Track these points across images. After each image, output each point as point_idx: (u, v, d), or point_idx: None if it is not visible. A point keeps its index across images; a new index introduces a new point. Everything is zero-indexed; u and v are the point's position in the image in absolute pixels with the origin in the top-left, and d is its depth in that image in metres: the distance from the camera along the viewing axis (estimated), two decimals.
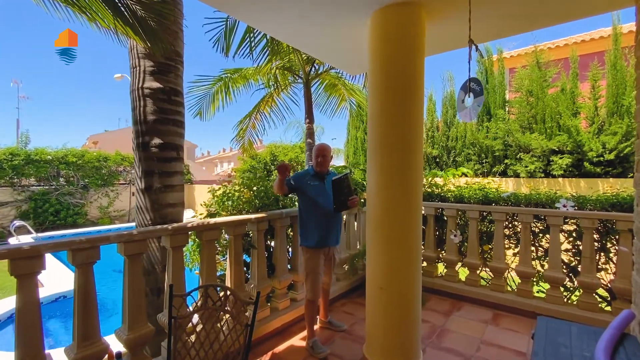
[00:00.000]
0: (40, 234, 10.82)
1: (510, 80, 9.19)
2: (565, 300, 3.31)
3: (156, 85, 2.52)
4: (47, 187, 12.39)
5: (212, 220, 2.49)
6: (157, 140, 2.51)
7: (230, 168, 21.30)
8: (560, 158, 6.49)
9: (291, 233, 3.51)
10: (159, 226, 2.23)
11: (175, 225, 2.26)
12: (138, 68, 2.53)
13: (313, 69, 4.79)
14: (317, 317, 3.21)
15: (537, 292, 3.57)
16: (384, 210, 2.33)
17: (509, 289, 3.81)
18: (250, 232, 2.93)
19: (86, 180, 13.31)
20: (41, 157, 12.13)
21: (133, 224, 12.14)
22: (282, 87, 4.96)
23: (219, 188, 3.32)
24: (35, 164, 12.00)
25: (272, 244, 3.25)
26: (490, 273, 3.93)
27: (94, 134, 30.88)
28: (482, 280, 4.00)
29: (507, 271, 3.77)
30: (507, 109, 8.03)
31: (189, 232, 2.38)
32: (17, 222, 10.39)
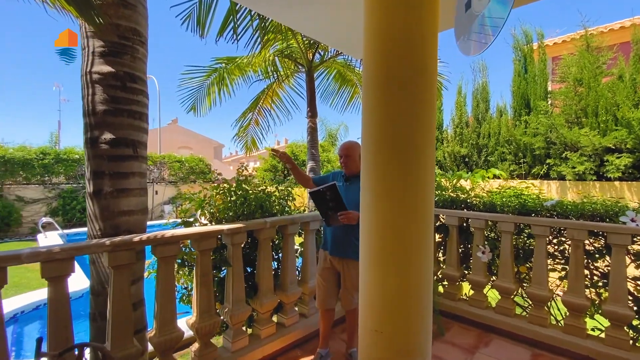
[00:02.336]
0: (66, 231, 11.16)
1: (553, 69, 8.09)
2: (631, 343, 2.53)
3: (107, 69, 2.10)
4: (75, 185, 12.83)
5: (169, 233, 2.03)
6: (107, 135, 2.09)
7: (252, 167, 21.27)
8: (618, 157, 5.47)
9: (302, 239, 3.05)
10: (93, 241, 1.79)
11: (116, 239, 1.82)
12: (87, 49, 2.13)
13: (317, 55, 4.24)
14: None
15: (592, 329, 2.80)
16: (380, 227, 1.74)
17: (553, 322, 3.06)
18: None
19: None
20: (69, 156, 12.57)
21: (155, 222, 12.23)
22: (284, 78, 4.45)
23: (199, 191, 2.88)
24: (64, 162, 12.45)
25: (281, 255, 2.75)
26: (528, 300, 3.19)
27: None
28: (517, 307, 3.27)
29: (550, 299, 3.02)
30: (549, 101, 7.01)
31: (138, 248, 1.94)
32: (45, 219, 10.76)
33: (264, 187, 3.02)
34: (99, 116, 2.10)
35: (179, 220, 2.68)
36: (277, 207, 2.95)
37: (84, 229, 10.19)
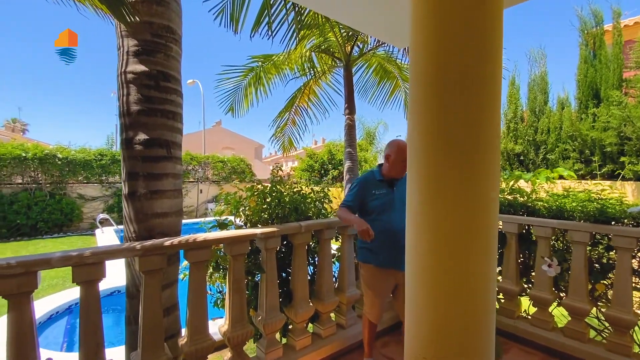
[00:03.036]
0: (120, 226, 12.01)
1: (627, 54, 7.07)
2: None
3: (140, 68, 2.06)
4: None
5: (201, 237, 1.94)
6: (141, 136, 2.06)
7: (290, 167, 21.47)
8: None
9: (338, 243, 2.87)
10: (125, 244, 1.74)
11: (147, 243, 1.76)
12: (122, 49, 2.11)
13: (356, 48, 4.00)
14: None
15: None
16: (431, 240, 1.48)
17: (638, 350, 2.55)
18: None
19: None
20: None
21: (199, 219, 12.77)
22: (321, 74, 4.27)
23: (235, 192, 2.80)
24: (119, 163, 13.42)
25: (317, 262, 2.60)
26: (605, 322, 2.70)
27: None
28: (590, 330, 2.79)
29: (635, 325, 2.52)
30: (623, 90, 6.10)
31: (169, 252, 1.86)
32: (101, 215, 11.68)
33: (299, 189, 2.87)
34: (133, 116, 2.07)
35: (215, 221, 2.61)
36: (313, 209, 2.78)
37: None
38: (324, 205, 2.89)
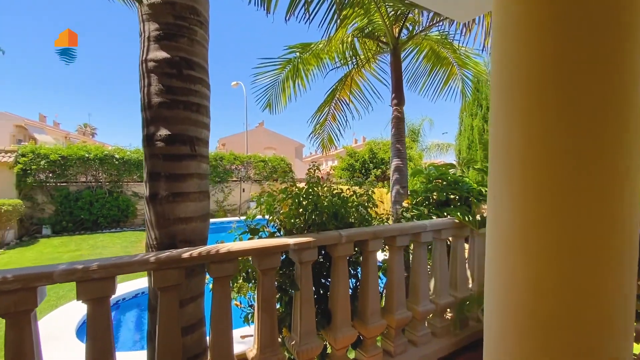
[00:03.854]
0: None
1: None
2: None
3: (161, 55, 1.84)
4: None
5: (224, 248, 1.66)
6: (163, 132, 1.83)
7: (330, 166, 21.21)
8: None
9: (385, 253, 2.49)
10: (137, 256, 1.51)
11: (162, 255, 1.51)
12: (143, 35, 1.91)
13: (405, 31, 3.51)
14: None
15: None
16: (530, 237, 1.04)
17: None
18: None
19: None
20: None
21: (235, 218, 12.98)
22: (364, 62, 3.83)
23: (267, 193, 2.51)
24: None
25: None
26: None
27: (224, 137, 36.07)
28: None
29: None
30: None
31: (187, 265, 1.60)
32: None
33: (339, 191, 2.50)
34: (154, 110, 1.85)
35: (245, 225, 2.35)
36: (355, 215, 2.40)
37: None
38: (369, 210, 2.49)
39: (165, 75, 1.84)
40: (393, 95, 3.45)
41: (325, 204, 2.16)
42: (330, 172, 17.47)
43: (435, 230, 2.58)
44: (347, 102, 4.28)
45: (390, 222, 2.94)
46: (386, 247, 2.43)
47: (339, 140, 4.63)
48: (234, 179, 16.13)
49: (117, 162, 12.98)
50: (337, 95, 4.22)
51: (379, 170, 14.69)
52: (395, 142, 3.36)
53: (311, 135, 4.54)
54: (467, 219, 2.65)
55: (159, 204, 1.85)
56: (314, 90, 4.68)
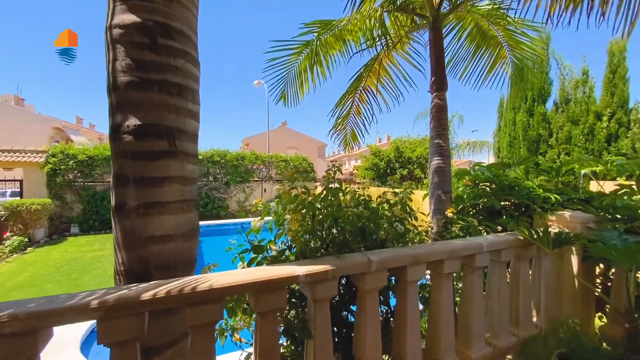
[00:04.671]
0: None
1: None
2: None
3: (130, 19, 1.38)
4: (200, 182, 14.44)
5: (205, 283, 1.17)
6: (132, 121, 1.38)
7: (353, 166, 20.57)
8: None
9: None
10: (76, 296, 1.05)
11: (110, 297, 1.04)
12: None
13: (446, 3, 2.86)
14: None
15: None
16: None
17: None
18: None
19: (228, 177, 14.93)
20: None
21: (242, 220, 12.73)
22: (395, 43, 3.21)
23: (276, 199, 2.01)
24: None
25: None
26: None
27: (247, 136, 36.31)
28: None
29: None
30: None
31: (148, 310, 1.12)
32: None
33: (365, 197, 1.95)
34: (121, 92, 1.39)
35: (247, 242, 1.86)
36: (388, 229, 1.84)
37: (206, 222, 11.18)
38: (406, 223, 1.92)
39: (135, 45, 1.38)
40: (432, 79, 2.82)
41: (349, 216, 1.62)
42: (354, 172, 16.84)
43: (493, 250, 1.97)
44: (374, 92, 3.68)
45: (428, 239, 2.35)
46: (430, 272, 1.86)
47: (363, 137, 4.06)
48: (256, 178, 15.91)
49: None
50: (363, 84, 3.63)
51: (406, 170, 13.88)
52: (435, 136, 2.73)
53: (332, 132, 3.98)
54: (535, 235, 2.02)
55: (127, 217, 1.39)
56: (337, 79, 4.11)
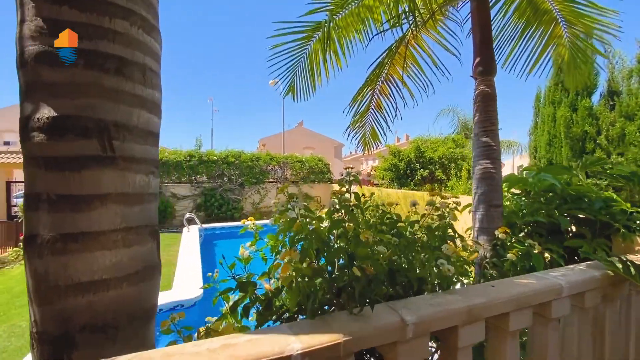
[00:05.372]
0: (204, 225, 12.34)
1: None
2: None
3: None
4: (214, 184, 14.26)
5: None
6: (43, 112, 0.91)
7: (370, 166, 19.91)
8: None
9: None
10: None
11: None
12: None
13: None
14: None
15: None
16: None
17: None
18: None
19: (242, 178, 14.66)
20: (209, 158, 14.01)
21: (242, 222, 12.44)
22: (425, 21, 2.64)
23: (275, 214, 1.51)
24: (205, 164, 13.95)
25: None
26: None
27: (264, 137, 36.25)
28: None
29: None
30: None
31: None
32: (188, 214, 12.11)
33: (393, 215, 1.43)
34: (30, 68, 0.93)
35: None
36: (425, 264, 1.30)
37: (220, 224, 10.91)
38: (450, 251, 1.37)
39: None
40: (477, 60, 2.23)
41: (373, 252, 1.10)
42: (371, 173, 16.21)
43: (575, 294, 1.40)
44: (398, 82, 3.10)
45: (470, 269, 1.79)
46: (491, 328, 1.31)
47: (385, 135, 3.50)
48: (270, 180, 15.57)
49: None
50: (385, 74, 3.06)
51: (427, 171, 13.12)
52: (481, 132, 2.13)
53: (349, 130, 3.43)
54: (635, 271, 1.43)
55: (39, 255, 0.93)
56: (356, 69, 3.56)
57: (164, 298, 5.38)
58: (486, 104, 2.15)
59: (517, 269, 1.78)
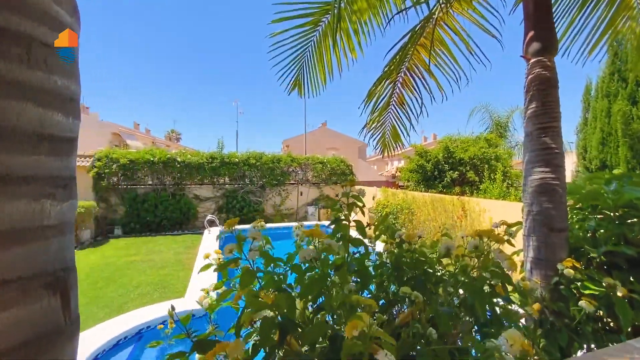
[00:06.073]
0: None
1: None
2: None
3: None
4: (236, 185, 14.22)
5: None
6: None
7: (395, 168, 19.18)
8: None
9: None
10: None
11: None
12: None
13: None
14: None
15: None
16: None
17: None
18: None
19: (263, 180, 14.51)
20: (231, 160, 13.99)
21: (302, 223, 12.21)
22: None
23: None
24: (227, 165, 13.94)
25: None
26: None
27: (287, 138, 36.29)
28: None
29: None
30: None
31: None
32: (209, 217, 12.09)
33: (414, 247, 0.99)
34: None
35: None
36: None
37: (241, 227, 10.98)
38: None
39: None
40: (530, 34, 1.70)
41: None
42: (396, 175, 15.53)
43: None
44: (424, 72, 2.60)
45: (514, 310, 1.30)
46: None
47: (408, 135, 3.02)
48: (292, 181, 15.33)
49: (179, 165, 13.14)
50: (408, 60, 2.58)
51: (456, 172, 12.28)
52: (536, 131, 1.59)
53: (365, 130, 2.96)
54: None
55: None
56: (372, 57, 3.09)
57: (176, 307, 5.20)
58: (544, 92, 1.63)
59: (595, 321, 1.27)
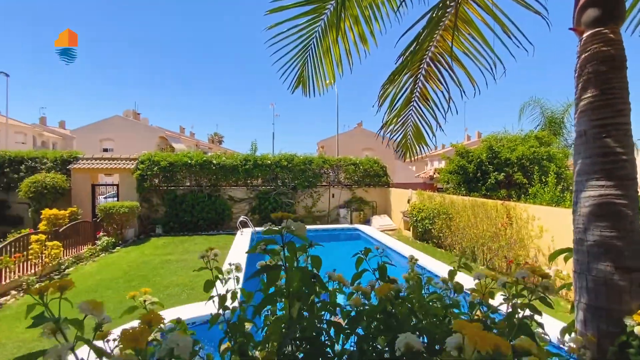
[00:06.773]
0: (257, 228, 12.38)
1: None
2: None
3: None
4: (268, 187, 14.33)
5: None
6: None
7: (434, 168, 18.15)
8: None
9: None
10: None
11: None
12: None
13: None
14: None
15: None
16: None
17: None
18: None
19: (295, 182, 14.47)
20: (263, 162, 14.13)
21: (330, 225, 11.90)
22: None
23: None
24: (260, 167, 14.10)
25: None
26: None
27: (322, 139, 36.23)
28: None
29: None
30: None
31: None
32: (242, 218, 12.27)
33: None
34: None
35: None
36: None
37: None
38: None
39: None
40: (582, 1, 1.27)
41: None
42: (434, 176, 14.65)
43: None
44: (449, 61, 2.18)
45: None
46: None
47: (434, 136, 2.61)
48: (324, 183, 15.10)
49: (214, 167, 13.52)
50: (431, 50, 2.16)
51: (502, 174, 11.20)
52: (595, 128, 1.15)
53: (382, 131, 2.59)
54: None
55: None
56: (385, 49, 2.72)
57: (198, 311, 5.17)
58: (605, 75, 1.17)
59: None
